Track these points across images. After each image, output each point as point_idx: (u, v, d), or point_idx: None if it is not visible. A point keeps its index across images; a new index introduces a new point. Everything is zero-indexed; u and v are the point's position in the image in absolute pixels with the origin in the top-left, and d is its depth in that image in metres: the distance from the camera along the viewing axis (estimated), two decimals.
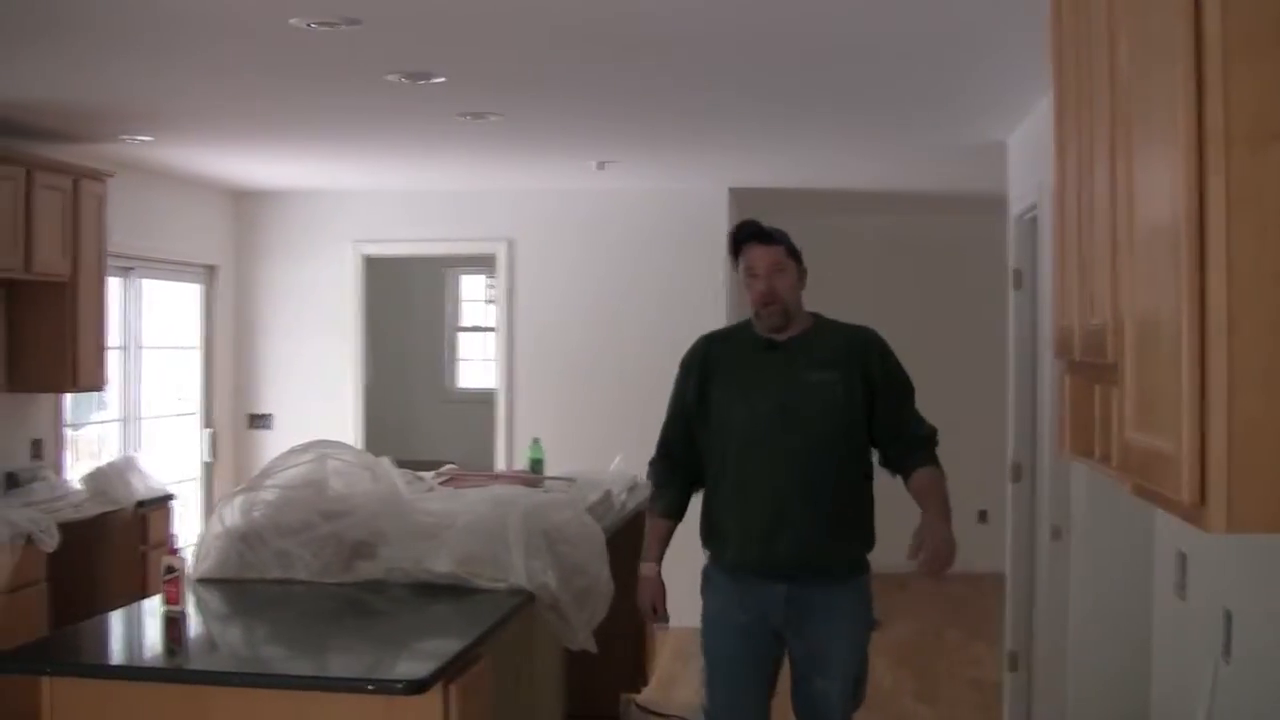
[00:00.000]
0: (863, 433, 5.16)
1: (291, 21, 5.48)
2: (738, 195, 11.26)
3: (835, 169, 10.19)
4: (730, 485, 5.18)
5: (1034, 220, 7.45)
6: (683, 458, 5.35)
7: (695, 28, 5.74)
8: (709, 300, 10.87)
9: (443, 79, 6.64)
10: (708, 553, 5.32)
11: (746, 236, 5.20)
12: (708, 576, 5.31)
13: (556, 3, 5.37)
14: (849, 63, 6.36)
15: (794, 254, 5.20)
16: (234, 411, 11.78)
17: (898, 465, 5.23)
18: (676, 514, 5.39)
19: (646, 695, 8.44)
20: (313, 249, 11.73)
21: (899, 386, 5.25)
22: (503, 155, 9.35)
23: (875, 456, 5.30)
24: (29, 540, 7.24)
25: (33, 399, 8.81)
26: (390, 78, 6.59)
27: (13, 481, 8.44)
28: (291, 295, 11.77)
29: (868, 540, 5.23)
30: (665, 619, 5.37)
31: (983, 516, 12.36)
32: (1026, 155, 7.59)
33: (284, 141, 8.99)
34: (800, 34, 5.81)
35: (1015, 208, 7.97)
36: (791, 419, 5.07)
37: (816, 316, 5.31)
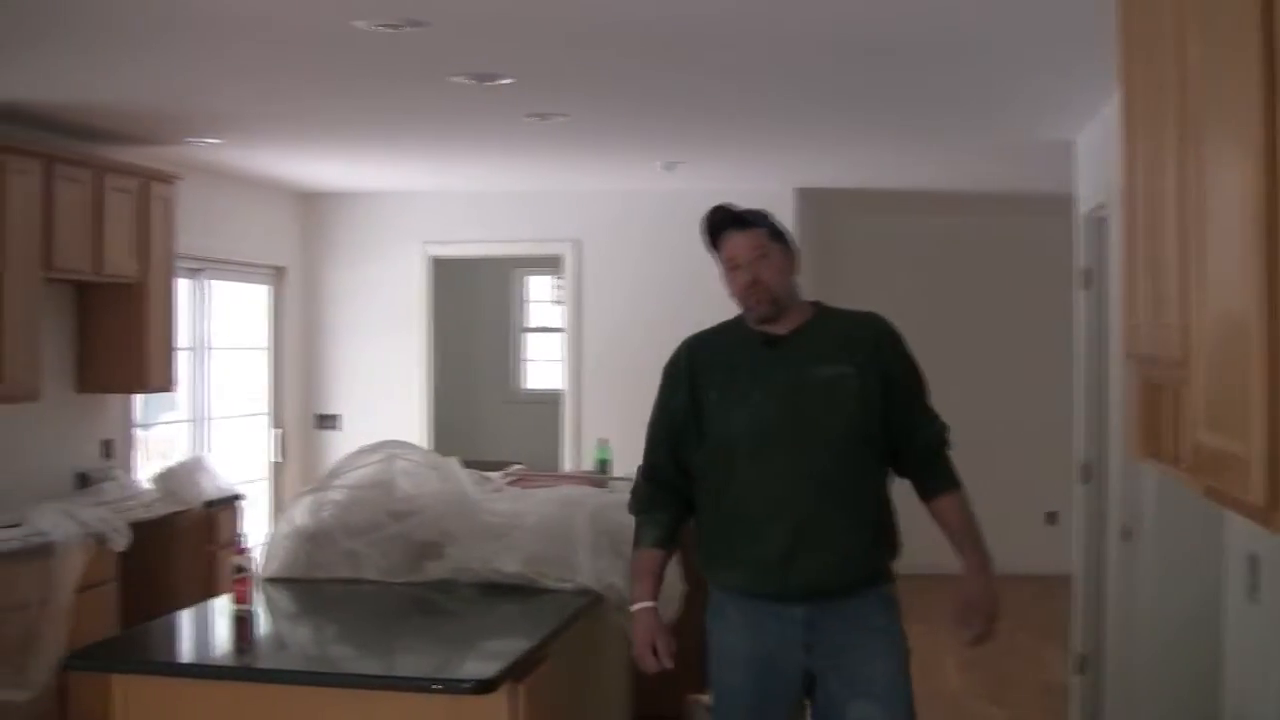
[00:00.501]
0: (883, 433, 4.46)
1: (356, 24, 5.50)
2: (803, 195, 11.23)
3: (900, 169, 10.15)
4: (735, 504, 4.43)
5: (1102, 219, 7.40)
6: (673, 481, 4.61)
7: (760, 28, 5.72)
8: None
9: (509, 80, 6.65)
10: (711, 580, 4.58)
11: (720, 224, 4.55)
12: (715, 604, 4.56)
13: (622, 3, 5.37)
14: (915, 62, 6.33)
15: (778, 236, 4.56)
16: (302, 412, 11.84)
17: (913, 480, 4.60)
18: (668, 543, 4.63)
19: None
20: (380, 250, 11.78)
21: (914, 381, 4.61)
22: (569, 156, 9.36)
23: None
24: (100, 539, 7.30)
25: (103, 400, 8.88)
26: (456, 79, 6.61)
27: (84, 481, 8.52)
28: (359, 296, 11.82)
29: (894, 547, 4.53)
30: (669, 663, 4.52)
31: (1051, 518, 12.29)
32: (1095, 154, 7.54)
33: (351, 143, 9.03)
34: (865, 33, 5.79)
35: (1083, 207, 7.92)
36: (802, 421, 4.39)
37: (818, 305, 4.64)
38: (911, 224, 13.00)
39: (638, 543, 4.64)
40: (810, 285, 10.75)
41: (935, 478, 4.58)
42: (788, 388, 4.43)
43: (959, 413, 10.99)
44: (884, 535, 4.49)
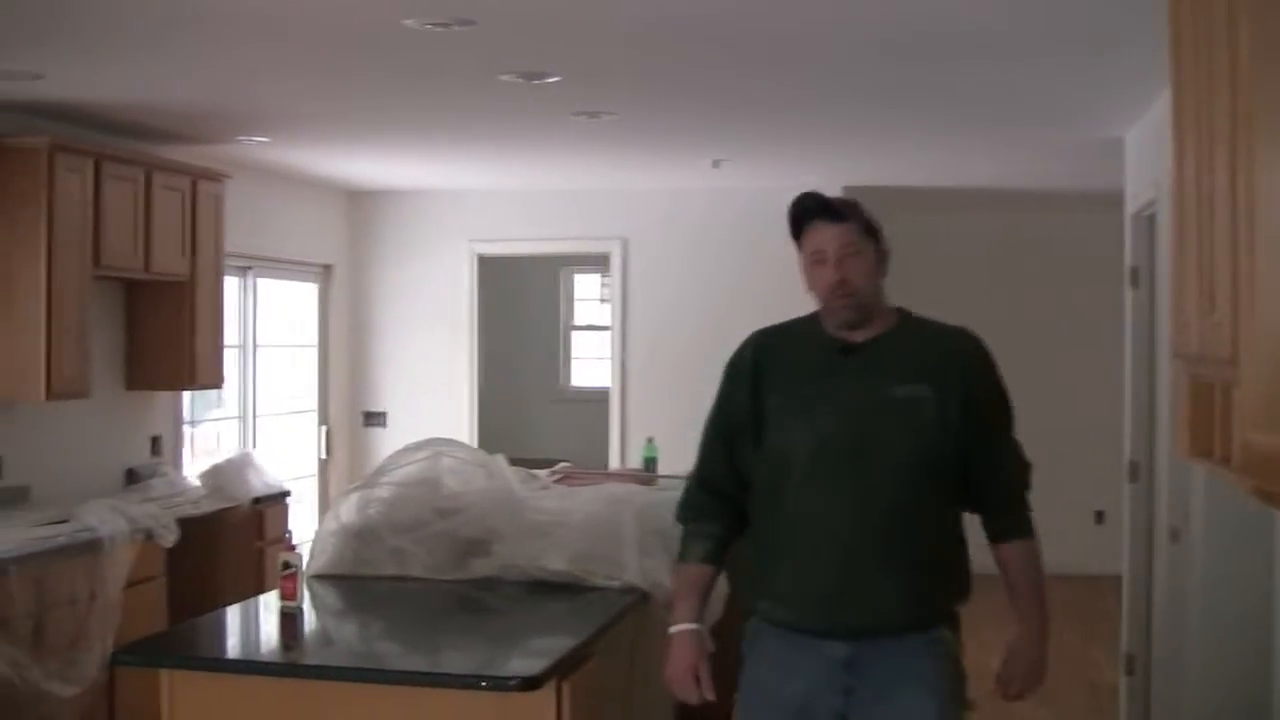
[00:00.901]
0: (957, 465, 3.98)
1: (405, 23, 5.51)
2: (851, 193, 11.18)
3: (949, 166, 10.11)
4: (785, 528, 3.99)
5: (1152, 217, 7.36)
6: (726, 490, 4.17)
7: (809, 26, 5.71)
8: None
9: (557, 78, 6.65)
10: (754, 606, 4.13)
11: (810, 212, 4.07)
12: (753, 632, 4.12)
13: (668, 2, 5.36)
14: (963, 58, 6.30)
15: (872, 232, 4.08)
16: (349, 409, 11.88)
17: (983, 518, 4.14)
18: (717, 559, 4.19)
19: None
20: (427, 248, 11.80)
21: (1000, 412, 4.12)
22: (617, 154, 9.35)
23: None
24: (148, 535, 7.34)
25: (152, 396, 8.92)
26: (504, 77, 6.61)
27: (133, 478, 8.57)
28: (406, 294, 11.85)
29: (961, 591, 4.06)
30: (710, 694, 4.12)
31: (1099, 517, 12.25)
32: (1145, 151, 7.50)
33: (398, 141, 9.05)
34: (914, 30, 5.77)
35: (1133, 205, 7.88)
36: (868, 444, 3.91)
37: (903, 313, 4.16)
38: (959, 221, 12.93)
39: (683, 555, 4.20)
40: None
41: (1008, 521, 4.13)
42: (857, 403, 3.95)
43: (1033, 421, 10.92)
44: (950, 575, 4.02)
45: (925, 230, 12.96)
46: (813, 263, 4.04)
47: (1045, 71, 6.54)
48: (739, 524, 4.17)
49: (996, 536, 4.11)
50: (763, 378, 4.09)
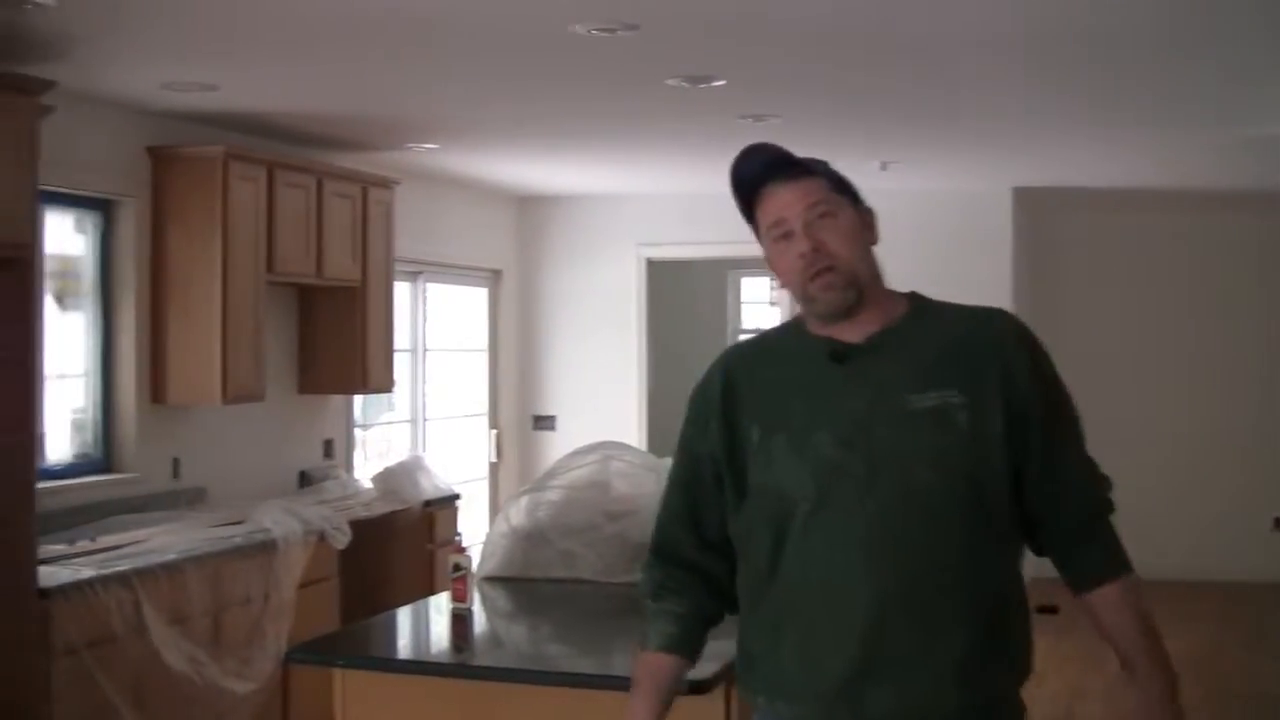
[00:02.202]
0: (1006, 489, 2.95)
1: (572, 28, 5.53)
2: (1021, 195, 11.07)
3: (1126, 166, 9.91)
4: (783, 598, 2.99)
5: None
6: (689, 558, 3.19)
7: (973, 27, 5.65)
8: (990, 305, 10.71)
9: (723, 82, 6.64)
10: (748, 700, 3.17)
11: (758, 178, 3.05)
12: None
13: (834, 4, 5.34)
14: (1139, 55, 6.20)
15: (844, 189, 3.08)
16: (519, 413, 11.95)
17: (1056, 561, 3.07)
18: (683, 647, 3.18)
19: None
20: (595, 252, 11.84)
21: (1059, 415, 3.04)
22: None
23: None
24: (321, 537, 7.43)
25: (324, 400, 9.04)
26: (670, 81, 6.62)
27: (306, 480, 8.70)
28: (575, 298, 11.90)
29: (1022, 662, 3.02)
30: None
31: (1278, 524, 11.98)
32: None
33: (565, 146, 9.08)
34: (1085, 27, 5.69)
35: None
36: (883, 475, 2.90)
37: (913, 298, 3.17)
38: (1130, 222, 12.69)
39: (642, 642, 3.23)
40: (1025, 289, 10.53)
41: (1090, 559, 3.03)
42: (862, 423, 2.93)
43: (1178, 417, 10.71)
44: (1005, 644, 2.98)
45: (1095, 232, 12.77)
46: (773, 239, 3.03)
47: (1230, 65, 6.41)
48: (714, 601, 3.20)
49: (1079, 584, 3.03)
50: (737, 406, 3.09)
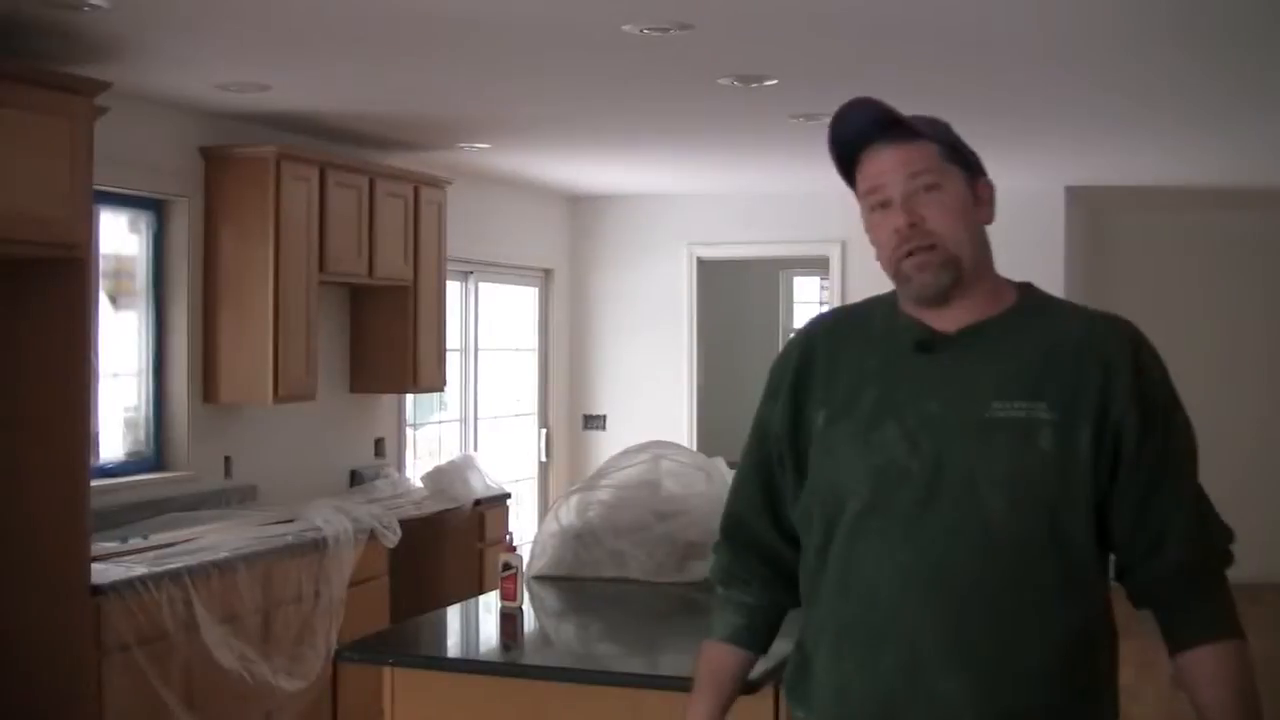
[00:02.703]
0: (1087, 521, 2.59)
1: (624, 28, 5.53)
2: (1075, 194, 11.01)
3: (1185, 163, 9.81)
4: (827, 604, 2.73)
5: None
6: (763, 542, 2.93)
7: (1027, 22, 5.62)
8: None
9: (774, 81, 6.63)
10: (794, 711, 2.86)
11: (861, 135, 2.79)
12: None
13: (886, 2, 5.32)
14: (1197, 50, 6.14)
15: (958, 157, 2.75)
16: (569, 412, 11.96)
17: (1155, 614, 2.66)
18: (749, 639, 2.97)
19: None
20: (646, 252, 11.84)
21: (1169, 446, 2.63)
22: None
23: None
24: (371, 536, 7.45)
25: (376, 399, 9.07)
26: (722, 81, 6.61)
27: (356, 479, 8.72)
28: (626, 297, 11.89)
29: (1104, 702, 2.66)
30: None
31: None
32: None
33: (617, 146, 9.09)
34: (1139, 22, 5.65)
35: None
36: (948, 486, 2.58)
37: (1025, 289, 2.79)
38: (1187, 220, 12.57)
39: (709, 630, 3.04)
40: (1078, 289, 10.44)
41: (1190, 617, 2.62)
42: (936, 424, 2.62)
43: (1240, 419, 10.58)
44: (1086, 686, 2.63)
45: (1153, 231, 12.67)
46: (871, 207, 2.74)
47: (1276, 60, 6.36)
48: (788, 592, 2.92)
49: (1176, 643, 2.62)
50: (808, 385, 2.82)
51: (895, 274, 2.71)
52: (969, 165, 2.75)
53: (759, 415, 2.93)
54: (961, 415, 2.60)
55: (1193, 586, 2.62)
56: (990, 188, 2.78)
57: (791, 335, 2.87)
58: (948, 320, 2.68)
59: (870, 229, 2.74)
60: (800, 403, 2.80)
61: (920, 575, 2.57)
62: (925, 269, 2.65)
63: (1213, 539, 2.65)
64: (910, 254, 2.65)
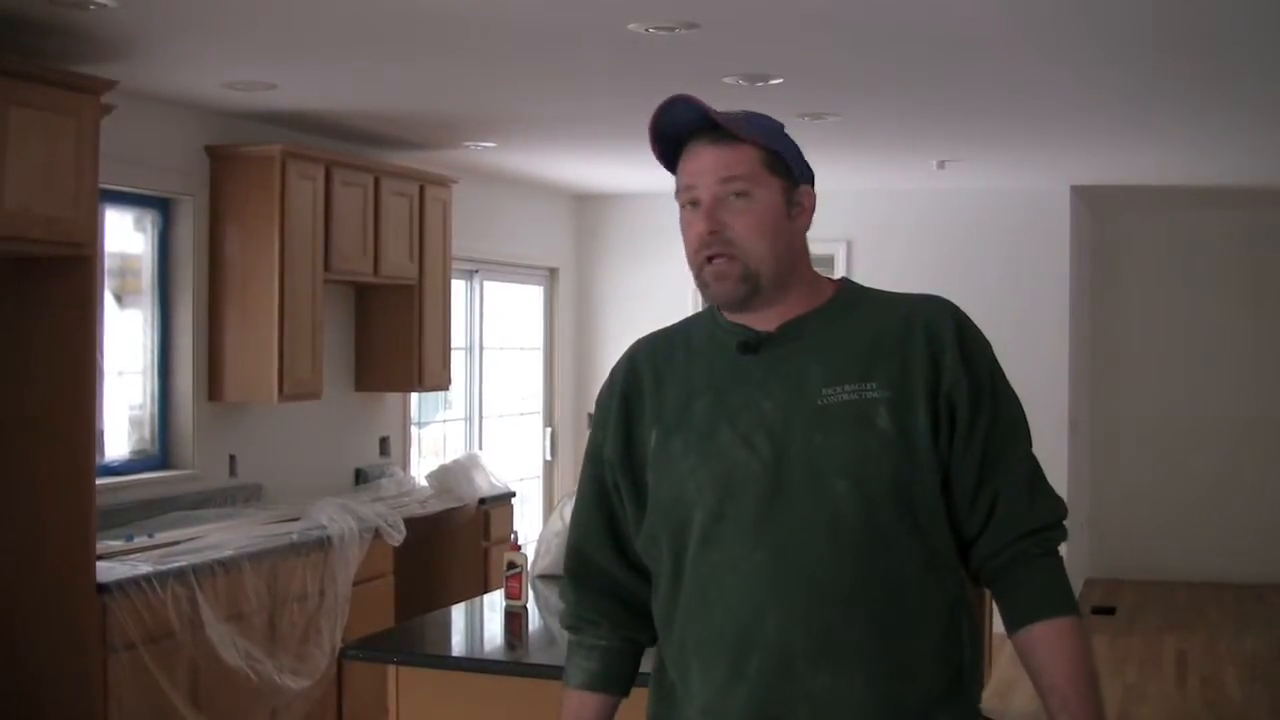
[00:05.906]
0: (937, 497, 2.56)
1: (630, 27, 5.54)
2: (1081, 193, 11.02)
3: (1192, 162, 9.79)
4: (683, 622, 2.63)
5: None
6: (610, 578, 2.82)
7: (1033, 22, 5.63)
8: (1048, 304, 10.68)
9: (780, 80, 6.64)
10: None
11: (681, 128, 2.77)
12: None
13: (892, 2, 5.32)
14: (1203, 50, 6.15)
15: (777, 164, 2.72)
16: (574, 411, 11.95)
17: (992, 592, 2.65)
18: (606, 682, 2.84)
19: (984, 701, 8.29)
20: (652, 251, 11.82)
21: (998, 416, 2.62)
22: (841, 156, 9.29)
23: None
24: (377, 534, 7.46)
25: (380, 398, 9.08)
26: (728, 80, 6.61)
27: (362, 478, 8.73)
28: (631, 296, 11.88)
29: (965, 694, 2.61)
30: None
31: None
32: None
33: (623, 145, 9.08)
34: (1149, 22, 5.65)
35: None
36: (794, 480, 2.53)
37: (843, 285, 2.79)
38: (1193, 219, 12.55)
39: (565, 678, 2.89)
40: (1085, 288, 10.46)
41: (1025, 594, 2.58)
42: (771, 420, 2.58)
43: (1242, 416, 10.62)
44: (960, 665, 2.59)
45: (1160, 231, 12.67)
46: (683, 205, 2.70)
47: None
48: (642, 628, 2.80)
49: (1012, 621, 2.59)
50: (637, 408, 2.75)
51: (697, 277, 2.68)
52: (791, 173, 2.72)
53: (591, 444, 2.84)
54: (795, 408, 2.56)
55: (1028, 558, 2.58)
56: (812, 195, 2.76)
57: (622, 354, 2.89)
58: (768, 320, 2.66)
59: (681, 226, 2.71)
60: (630, 427, 2.74)
61: (779, 573, 2.50)
62: (723, 279, 2.62)
63: (1050, 510, 2.61)
64: (710, 260, 2.63)
